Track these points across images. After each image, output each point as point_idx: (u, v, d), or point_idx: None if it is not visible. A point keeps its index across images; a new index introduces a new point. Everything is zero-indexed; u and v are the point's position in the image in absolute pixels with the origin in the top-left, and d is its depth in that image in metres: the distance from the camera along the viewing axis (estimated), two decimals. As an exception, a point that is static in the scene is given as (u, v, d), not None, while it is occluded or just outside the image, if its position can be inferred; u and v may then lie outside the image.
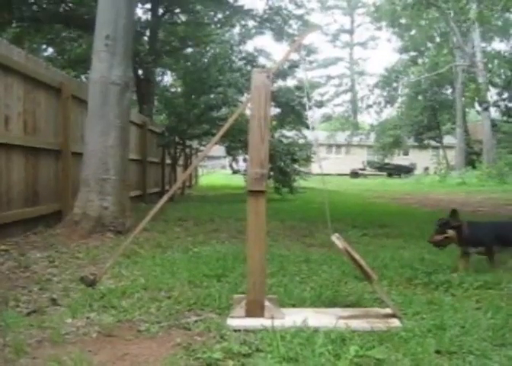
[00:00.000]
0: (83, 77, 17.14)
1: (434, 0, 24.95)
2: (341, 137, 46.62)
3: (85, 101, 6.46)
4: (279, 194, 12.95)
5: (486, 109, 28.39)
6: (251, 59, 13.72)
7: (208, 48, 14.24)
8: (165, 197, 3.04)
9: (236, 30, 17.75)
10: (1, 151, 5.23)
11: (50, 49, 18.92)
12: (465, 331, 2.60)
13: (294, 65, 13.58)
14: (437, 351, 2.36)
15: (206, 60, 12.58)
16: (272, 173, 12.42)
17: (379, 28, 40.64)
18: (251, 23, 17.71)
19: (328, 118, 55.43)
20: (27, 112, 5.79)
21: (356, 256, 2.85)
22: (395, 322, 2.71)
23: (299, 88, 13.45)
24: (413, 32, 37.53)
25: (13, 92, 5.46)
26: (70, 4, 14.23)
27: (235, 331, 2.60)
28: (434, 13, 29.43)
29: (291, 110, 13.26)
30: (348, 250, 2.85)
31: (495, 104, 27.89)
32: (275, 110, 13.29)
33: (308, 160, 15.39)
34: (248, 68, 12.93)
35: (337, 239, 2.88)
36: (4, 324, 2.65)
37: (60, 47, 17.79)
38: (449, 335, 2.52)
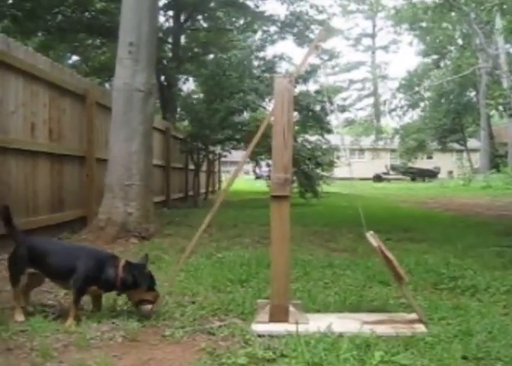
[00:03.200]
0: (107, 84, 17.34)
1: (456, 2, 24.71)
2: (364, 141, 46.34)
3: (109, 107, 6.53)
4: (303, 198, 12.92)
5: (512, 116, 27.99)
6: (270, 66, 13.73)
7: (229, 54, 14.29)
8: (217, 205, 2.97)
9: (258, 35, 17.82)
10: (28, 158, 5.31)
11: (75, 57, 19.20)
12: (493, 337, 2.56)
13: (314, 70, 13.54)
14: (464, 357, 2.33)
15: (226, 66, 12.61)
16: (295, 177, 12.40)
17: (399, 34, 40.45)
18: (272, 28, 17.77)
19: (350, 122, 55.20)
20: (53, 119, 5.87)
21: (390, 256, 2.82)
22: (421, 328, 2.69)
23: (318, 92, 13.42)
24: (435, 35, 37.22)
25: (39, 100, 5.54)
26: (93, 13, 14.41)
27: (260, 336, 2.60)
28: (456, 15, 29.15)
29: (311, 114, 13.23)
30: (382, 249, 2.82)
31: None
32: (296, 115, 13.26)
33: (331, 165, 15.34)
34: (267, 75, 12.95)
35: (371, 237, 2.86)
36: (31, 328, 2.68)
37: (84, 55, 18.06)
38: (475, 340, 2.49)
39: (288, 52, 40.84)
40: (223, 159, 21.75)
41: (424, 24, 34.87)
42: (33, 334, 2.61)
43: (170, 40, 16.39)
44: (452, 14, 28.53)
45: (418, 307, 2.87)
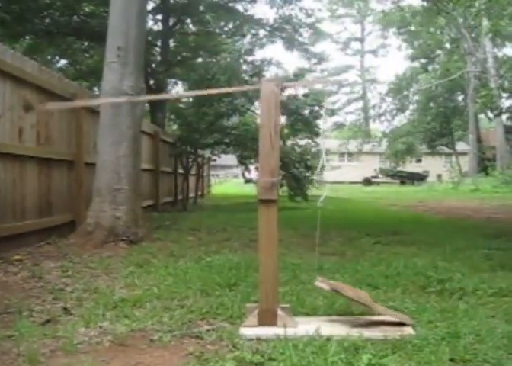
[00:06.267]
0: (95, 88, 17.29)
1: (444, 6, 24.89)
2: (353, 145, 46.50)
3: (98, 111, 6.50)
4: (293, 201, 12.94)
5: (498, 115, 28.23)
6: (257, 71, 13.77)
7: (218, 58, 14.31)
8: None
9: (247, 39, 17.85)
10: (15, 162, 5.27)
11: (63, 61, 19.13)
12: (480, 339, 2.57)
13: (302, 74, 13.60)
14: (451, 360, 2.34)
15: (214, 69, 12.62)
16: (284, 181, 12.43)
17: (386, 37, 40.74)
18: (261, 32, 17.79)
19: (339, 126, 55.38)
20: (40, 123, 5.83)
21: (350, 293, 2.88)
22: (409, 331, 2.69)
23: (307, 95, 13.46)
24: (423, 39, 37.49)
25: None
26: (82, 16, 14.37)
27: (248, 340, 2.60)
28: (445, 19, 29.36)
29: (300, 118, 13.28)
30: (338, 289, 2.88)
31: (508, 110, 27.70)
32: (284, 119, 13.33)
33: (320, 168, 15.40)
34: (255, 79, 12.99)
35: (321, 283, 2.90)
36: (18, 333, 2.66)
37: (72, 58, 18.00)
38: (463, 343, 2.50)
39: (277, 56, 41.02)
40: (212, 163, 21.73)
41: (412, 28, 35.12)
42: (19, 339, 2.59)
43: (159, 43, 16.37)
44: (441, 18, 28.73)
45: (400, 315, 2.89)
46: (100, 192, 6.08)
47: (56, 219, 6.22)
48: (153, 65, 15.39)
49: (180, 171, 13.36)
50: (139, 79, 6.47)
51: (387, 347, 2.46)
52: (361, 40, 63.67)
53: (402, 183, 40.54)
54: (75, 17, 14.43)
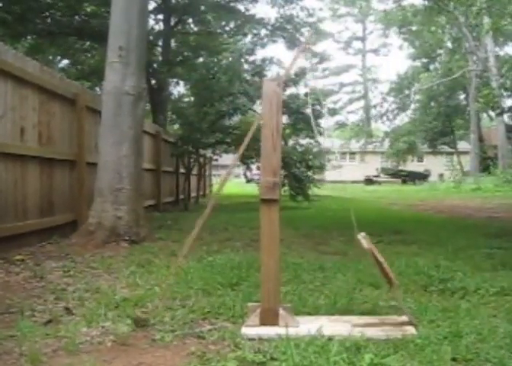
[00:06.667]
0: (97, 88, 17.30)
1: (445, 5, 24.86)
2: (355, 145, 46.51)
3: (100, 111, 6.50)
4: (294, 201, 12.94)
5: (500, 114, 28.19)
6: (258, 71, 13.77)
7: (220, 57, 14.30)
8: (209, 209, 2.99)
9: (248, 38, 17.85)
10: (17, 162, 5.28)
11: (64, 61, 19.14)
12: (482, 338, 2.56)
13: (303, 72, 13.60)
14: (453, 359, 2.33)
15: (215, 69, 12.63)
16: (286, 181, 12.43)
17: (387, 37, 40.73)
18: (263, 31, 17.79)
19: (341, 125, 55.27)
20: (42, 123, 5.84)
21: (381, 259, 2.83)
22: (411, 330, 2.69)
23: (307, 95, 13.46)
24: (424, 38, 37.44)
25: (28, 104, 5.52)
26: (83, 16, 14.37)
27: (250, 339, 2.59)
28: (446, 19, 29.32)
29: (301, 117, 13.27)
30: (373, 252, 2.82)
31: (510, 109, 27.59)
32: (285, 118, 13.32)
33: (322, 168, 15.40)
34: (257, 79, 12.99)
35: (363, 238, 2.86)
36: (20, 333, 2.66)
37: (74, 59, 18.01)
38: (465, 342, 2.49)
39: (278, 56, 40.97)
40: (214, 163, 21.73)
41: (413, 28, 35.10)
42: (21, 339, 2.59)
43: (160, 43, 16.37)
44: (442, 17, 28.69)
45: (407, 310, 2.88)
46: (101, 192, 6.08)
47: (58, 219, 6.23)
48: (155, 65, 15.39)
49: (182, 170, 13.37)
50: (140, 79, 6.47)
51: (389, 346, 2.45)
52: (362, 40, 63.57)
53: (404, 182, 40.51)
54: (77, 17, 14.43)
